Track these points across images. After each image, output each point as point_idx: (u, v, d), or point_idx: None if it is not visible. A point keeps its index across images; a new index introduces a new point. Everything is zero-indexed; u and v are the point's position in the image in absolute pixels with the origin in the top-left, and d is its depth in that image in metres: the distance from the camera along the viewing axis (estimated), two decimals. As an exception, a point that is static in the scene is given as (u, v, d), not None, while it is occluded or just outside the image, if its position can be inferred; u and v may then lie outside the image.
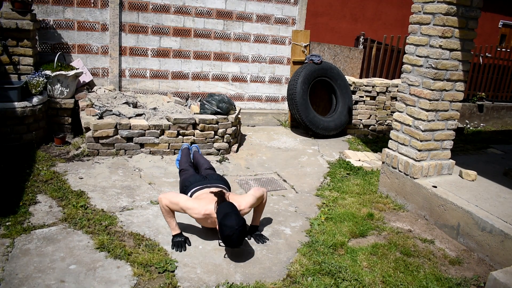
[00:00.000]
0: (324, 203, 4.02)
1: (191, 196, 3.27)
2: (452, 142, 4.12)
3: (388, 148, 4.33)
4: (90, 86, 5.66)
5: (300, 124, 6.32)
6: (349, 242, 3.32)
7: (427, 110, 3.84)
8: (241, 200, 3.12)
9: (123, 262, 2.78)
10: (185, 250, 3.02)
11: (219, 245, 2.99)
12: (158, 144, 4.84)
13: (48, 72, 4.83)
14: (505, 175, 4.31)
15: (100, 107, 4.89)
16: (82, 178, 4.03)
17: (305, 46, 6.64)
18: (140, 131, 4.72)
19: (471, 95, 9.28)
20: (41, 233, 3.03)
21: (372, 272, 2.92)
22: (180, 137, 4.93)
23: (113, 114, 4.81)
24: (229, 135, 5.25)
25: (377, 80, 7.00)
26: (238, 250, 3.04)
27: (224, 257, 2.98)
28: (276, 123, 6.88)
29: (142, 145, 4.78)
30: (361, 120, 6.90)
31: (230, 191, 3.56)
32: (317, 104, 6.76)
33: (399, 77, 7.96)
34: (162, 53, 6.06)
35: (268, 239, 3.27)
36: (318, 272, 2.85)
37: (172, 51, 6.11)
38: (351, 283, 2.77)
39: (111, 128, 4.60)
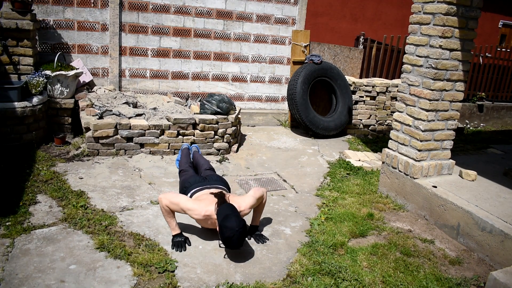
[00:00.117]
0: (324, 203, 4.02)
1: (191, 197, 3.27)
2: (452, 142, 4.12)
3: (388, 148, 4.33)
4: (90, 86, 5.66)
5: (300, 124, 6.32)
6: (349, 242, 3.32)
7: (427, 110, 3.85)
8: (241, 201, 3.12)
9: (123, 262, 2.78)
10: (185, 250, 3.02)
11: (219, 246, 3.00)
12: (158, 144, 4.84)
13: (48, 72, 4.83)
14: (505, 175, 4.31)
15: (100, 107, 4.89)
16: (82, 178, 4.03)
17: (305, 46, 6.64)
18: (140, 131, 4.72)
19: (471, 95, 9.28)
20: (41, 233, 3.03)
21: (372, 272, 2.92)
22: (180, 137, 4.93)
23: (113, 114, 4.81)
24: (229, 135, 5.25)
25: (377, 80, 7.00)
26: (238, 251, 3.04)
27: (224, 257, 2.98)
28: (276, 123, 6.88)
29: (142, 145, 4.78)
30: (361, 120, 6.90)
31: (229, 192, 3.56)
32: (317, 104, 6.77)
33: (399, 77, 7.96)
34: (162, 53, 6.06)
35: (268, 239, 3.27)
36: (318, 272, 2.85)
37: (172, 51, 6.11)
38: (351, 283, 2.77)
39: (111, 128, 4.60)
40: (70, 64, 5.38)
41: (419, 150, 3.93)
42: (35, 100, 4.59)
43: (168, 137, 4.87)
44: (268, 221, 3.59)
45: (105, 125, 4.56)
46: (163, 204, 3.03)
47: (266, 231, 3.40)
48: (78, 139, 4.99)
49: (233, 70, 6.55)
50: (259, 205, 3.28)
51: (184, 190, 3.44)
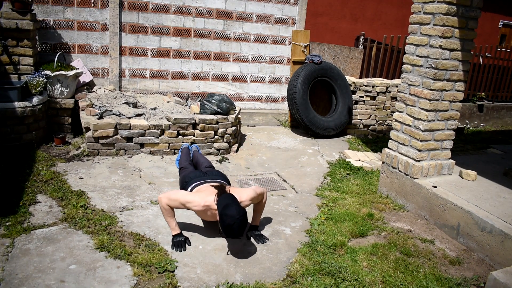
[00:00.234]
0: (324, 203, 4.02)
1: (191, 190, 3.25)
2: (452, 142, 4.12)
3: (388, 148, 4.33)
4: (90, 86, 5.66)
5: (300, 124, 6.32)
6: (349, 242, 3.32)
7: (427, 110, 3.85)
8: (242, 192, 3.11)
9: (123, 262, 2.78)
10: (185, 250, 3.02)
11: (219, 234, 2.95)
12: (158, 144, 4.84)
13: (48, 72, 4.83)
14: (505, 175, 4.31)
15: (100, 107, 4.89)
16: (82, 178, 4.03)
17: (305, 46, 6.64)
18: (140, 131, 4.72)
19: (471, 95, 9.28)
20: (41, 233, 3.03)
21: (372, 272, 2.92)
22: (180, 137, 4.93)
23: (113, 114, 4.81)
24: (229, 135, 5.25)
25: (377, 80, 7.00)
26: (238, 250, 3.04)
27: (227, 253, 2.98)
28: (276, 123, 6.88)
29: (142, 145, 4.78)
30: (361, 120, 6.90)
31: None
32: (317, 104, 6.77)
33: (399, 77, 7.96)
34: (162, 53, 6.06)
35: (268, 239, 3.27)
36: (318, 272, 2.85)
37: (172, 51, 6.11)
38: (351, 283, 2.77)
39: (111, 128, 4.60)
40: (70, 64, 5.38)
41: (419, 150, 3.93)
42: (35, 100, 4.59)
43: (168, 137, 4.87)
44: (268, 221, 3.59)
45: (105, 125, 4.57)
46: (162, 203, 3.03)
47: (266, 231, 3.40)
48: (78, 139, 4.99)
49: (233, 70, 6.55)
50: (259, 205, 3.28)
51: (184, 185, 3.42)
